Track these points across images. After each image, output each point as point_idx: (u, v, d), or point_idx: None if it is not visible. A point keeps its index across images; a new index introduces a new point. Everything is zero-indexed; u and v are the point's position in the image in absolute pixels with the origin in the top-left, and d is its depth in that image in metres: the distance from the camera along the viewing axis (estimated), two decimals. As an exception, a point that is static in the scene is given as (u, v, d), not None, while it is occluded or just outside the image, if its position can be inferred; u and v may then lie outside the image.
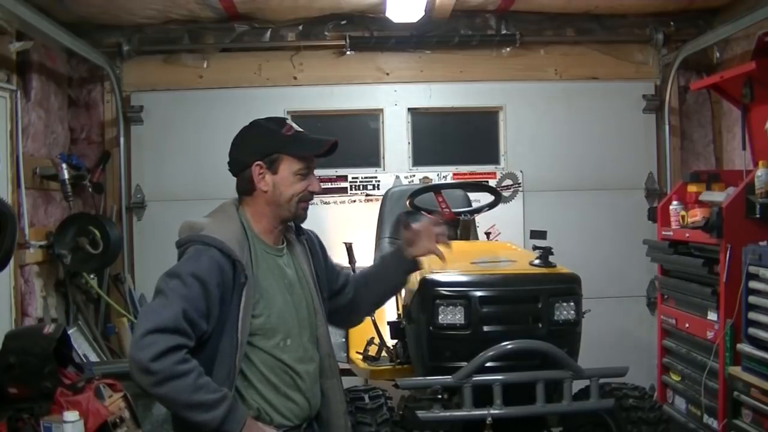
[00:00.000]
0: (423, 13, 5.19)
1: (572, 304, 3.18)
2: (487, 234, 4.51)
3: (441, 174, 5.80)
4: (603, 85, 5.87)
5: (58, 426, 2.90)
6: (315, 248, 2.53)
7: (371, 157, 5.89)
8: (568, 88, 5.87)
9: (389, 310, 4.18)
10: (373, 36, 5.72)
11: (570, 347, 3.16)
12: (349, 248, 4.09)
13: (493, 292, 3.15)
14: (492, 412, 2.92)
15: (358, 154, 5.81)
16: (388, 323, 3.88)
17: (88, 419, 3.02)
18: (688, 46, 5.51)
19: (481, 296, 3.12)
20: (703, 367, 4.13)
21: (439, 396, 3.01)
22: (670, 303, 4.68)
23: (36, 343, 3.04)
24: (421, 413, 2.99)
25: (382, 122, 5.86)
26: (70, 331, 4.15)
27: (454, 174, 5.80)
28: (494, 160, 5.91)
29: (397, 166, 5.83)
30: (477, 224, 4.52)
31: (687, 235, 4.36)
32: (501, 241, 4.42)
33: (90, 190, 5.36)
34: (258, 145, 2.32)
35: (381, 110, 5.86)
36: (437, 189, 4.14)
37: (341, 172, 5.73)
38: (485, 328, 3.10)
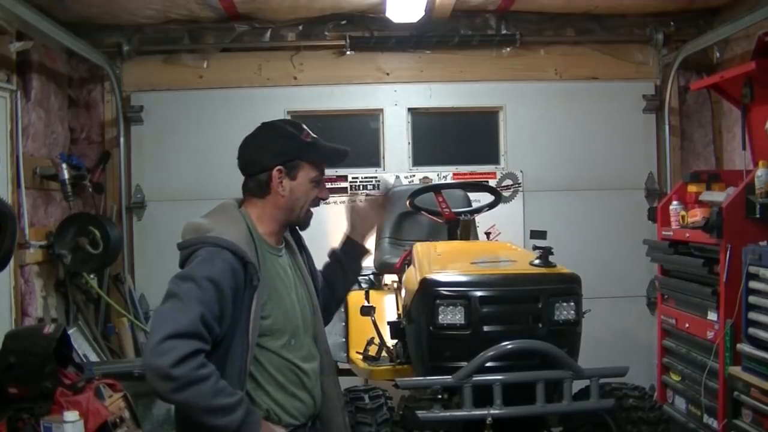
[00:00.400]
0: (423, 13, 5.19)
1: (572, 304, 3.17)
2: (487, 234, 4.50)
3: (441, 174, 5.80)
4: (603, 85, 5.87)
5: (58, 426, 2.91)
6: (304, 246, 2.54)
7: (371, 157, 5.89)
8: (568, 88, 5.87)
9: (389, 310, 4.18)
10: (373, 36, 5.72)
11: (570, 347, 3.15)
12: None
13: (493, 292, 3.14)
14: (492, 412, 2.91)
15: (358, 154, 5.77)
16: (388, 323, 3.87)
17: (88, 419, 3.03)
18: (688, 46, 5.51)
19: (481, 296, 3.11)
20: (703, 367, 4.12)
21: (439, 396, 3.00)
22: (670, 303, 4.68)
23: (36, 343, 3.05)
24: (421, 413, 2.98)
25: (382, 122, 5.86)
26: (70, 331, 4.15)
27: (454, 174, 5.81)
28: (494, 160, 5.91)
29: (397, 166, 5.83)
30: (477, 224, 4.52)
31: (687, 235, 4.35)
32: (501, 241, 4.41)
33: (90, 190, 5.37)
34: (279, 148, 2.29)
35: (381, 110, 5.86)
36: (437, 189, 4.14)
37: (341, 172, 5.73)
38: (485, 328, 3.09)
